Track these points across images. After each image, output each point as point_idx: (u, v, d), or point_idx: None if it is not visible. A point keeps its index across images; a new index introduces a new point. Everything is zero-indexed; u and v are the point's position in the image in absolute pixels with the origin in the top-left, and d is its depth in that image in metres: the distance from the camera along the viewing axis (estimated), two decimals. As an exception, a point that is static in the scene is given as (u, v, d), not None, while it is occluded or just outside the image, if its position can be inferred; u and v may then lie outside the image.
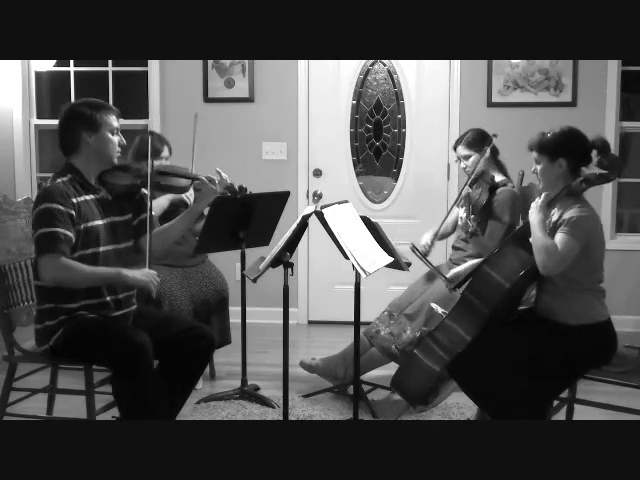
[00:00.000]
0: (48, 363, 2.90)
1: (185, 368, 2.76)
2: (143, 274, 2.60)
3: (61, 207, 2.53)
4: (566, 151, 2.63)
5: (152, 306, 3.32)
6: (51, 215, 2.51)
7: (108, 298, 2.67)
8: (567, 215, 2.57)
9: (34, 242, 2.57)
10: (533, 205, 2.66)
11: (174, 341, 2.71)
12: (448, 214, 3.59)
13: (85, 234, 2.60)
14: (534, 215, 2.62)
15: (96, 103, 2.69)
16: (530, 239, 2.65)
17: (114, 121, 2.68)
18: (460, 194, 3.51)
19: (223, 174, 2.96)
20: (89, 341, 2.60)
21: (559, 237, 2.55)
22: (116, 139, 2.69)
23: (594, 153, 2.66)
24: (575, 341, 2.59)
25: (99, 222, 2.66)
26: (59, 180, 2.61)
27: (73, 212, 2.56)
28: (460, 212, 3.41)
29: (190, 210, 2.87)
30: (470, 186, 3.50)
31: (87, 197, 2.64)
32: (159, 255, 3.09)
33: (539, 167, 2.68)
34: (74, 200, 2.58)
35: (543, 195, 2.64)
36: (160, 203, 3.48)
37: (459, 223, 3.40)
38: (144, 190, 2.76)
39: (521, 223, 3.50)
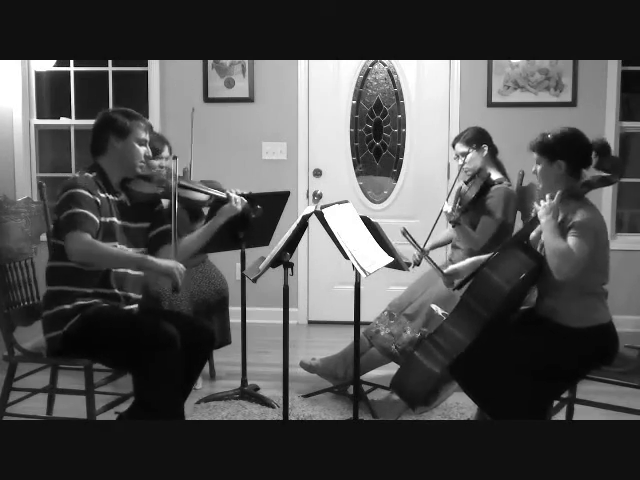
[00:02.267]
0: (48, 363, 2.90)
1: (186, 363, 2.76)
2: (169, 263, 2.62)
3: (88, 193, 2.61)
4: (565, 153, 2.62)
5: (151, 304, 3.32)
6: (78, 198, 2.58)
7: (117, 291, 2.70)
8: (576, 218, 2.55)
9: (60, 223, 2.59)
10: (541, 209, 2.61)
11: None
12: (437, 221, 3.49)
13: (104, 227, 2.65)
14: (546, 219, 2.57)
15: (130, 112, 2.79)
16: (536, 240, 2.64)
17: (142, 133, 2.76)
18: (451, 189, 3.53)
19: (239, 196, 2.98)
20: (113, 330, 2.59)
21: (571, 241, 2.52)
22: (142, 150, 2.76)
23: (594, 155, 2.65)
24: (577, 343, 2.58)
25: (116, 221, 2.71)
26: (86, 174, 2.69)
27: (98, 201, 2.63)
28: (446, 205, 3.44)
29: (209, 225, 2.91)
30: (466, 183, 3.51)
31: (109, 196, 2.71)
32: None
33: (539, 168, 2.68)
34: (98, 193, 2.66)
35: (557, 195, 2.59)
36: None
37: (445, 214, 3.43)
38: (165, 202, 2.83)
39: (521, 223, 3.53)
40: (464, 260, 2.97)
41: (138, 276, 2.79)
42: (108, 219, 2.67)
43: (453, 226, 3.46)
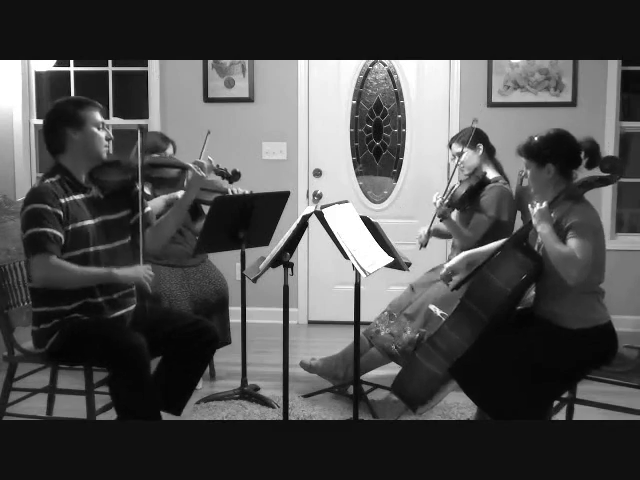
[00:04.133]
0: (48, 363, 2.90)
1: (189, 363, 2.76)
2: (135, 271, 2.59)
3: (48, 207, 2.51)
4: (554, 156, 2.61)
5: (151, 304, 3.31)
6: (39, 216, 2.50)
7: (100, 299, 2.65)
8: (573, 219, 2.54)
9: (23, 243, 2.55)
10: (534, 217, 2.60)
11: (177, 336, 2.71)
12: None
13: (73, 235, 2.57)
14: (541, 226, 2.56)
15: (78, 100, 2.68)
16: (536, 245, 2.64)
17: (98, 116, 2.65)
18: (447, 187, 3.54)
19: (211, 158, 2.91)
20: (84, 344, 2.59)
21: (573, 243, 2.51)
22: (103, 133, 2.65)
23: (583, 155, 2.63)
24: (577, 344, 2.58)
25: (89, 222, 2.63)
26: (47, 181, 2.60)
27: (61, 212, 2.54)
28: (436, 197, 3.45)
29: (180, 201, 2.85)
30: (460, 181, 3.53)
31: (76, 197, 2.63)
32: (158, 252, 3.16)
33: (528, 172, 2.68)
34: (62, 200, 2.57)
35: (544, 203, 2.59)
36: (156, 204, 3.46)
37: (434, 206, 3.45)
38: (138, 186, 2.72)
39: (522, 223, 3.53)
40: (457, 256, 2.98)
41: None
42: (78, 224, 2.59)
43: (440, 220, 3.47)
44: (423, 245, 3.58)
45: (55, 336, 2.61)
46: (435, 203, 3.43)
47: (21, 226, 2.58)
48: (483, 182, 3.48)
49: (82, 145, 2.62)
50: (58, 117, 2.62)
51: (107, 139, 2.67)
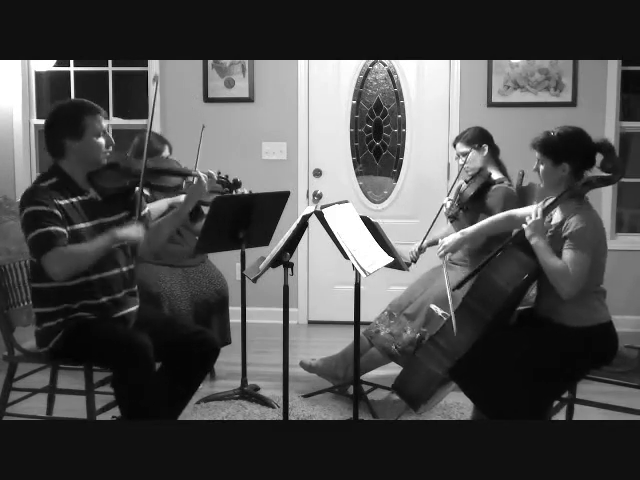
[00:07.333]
0: (48, 363, 2.90)
1: (188, 372, 2.76)
2: (136, 230, 2.57)
3: (45, 207, 2.51)
4: (571, 155, 2.60)
5: (152, 306, 3.31)
6: (38, 217, 2.50)
7: (104, 299, 2.64)
8: (572, 228, 2.54)
9: (29, 245, 2.54)
10: (527, 229, 2.59)
11: (178, 344, 2.71)
12: (436, 217, 3.51)
13: (70, 237, 2.55)
14: (535, 240, 2.56)
15: (80, 105, 2.64)
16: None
17: (99, 123, 2.61)
18: (452, 187, 3.56)
19: (212, 172, 2.86)
20: (89, 343, 2.59)
21: (569, 255, 2.52)
22: (103, 141, 2.63)
23: (598, 156, 2.64)
24: (577, 343, 2.58)
25: (85, 225, 2.61)
26: (42, 184, 2.59)
27: (58, 212, 2.53)
28: (445, 199, 3.48)
29: (177, 211, 2.82)
30: (467, 182, 3.53)
31: (73, 200, 2.61)
32: (150, 255, 3.24)
33: (542, 168, 2.67)
34: (58, 202, 2.56)
35: (539, 213, 2.60)
36: (159, 206, 3.45)
37: (443, 210, 3.47)
38: (138, 189, 2.70)
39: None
40: (449, 237, 2.96)
41: (121, 273, 2.71)
42: (75, 227, 2.58)
43: (451, 221, 3.48)
44: (414, 261, 3.55)
45: (60, 335, 2.61)
46: (445, 204, 3.45)
47: (23, 230, 2.57)
48: (489, 183, 3.48)
49: (81, 153, 2.61)
50: (58, 124, 2.61)
51: (107, 145, 2.66)
